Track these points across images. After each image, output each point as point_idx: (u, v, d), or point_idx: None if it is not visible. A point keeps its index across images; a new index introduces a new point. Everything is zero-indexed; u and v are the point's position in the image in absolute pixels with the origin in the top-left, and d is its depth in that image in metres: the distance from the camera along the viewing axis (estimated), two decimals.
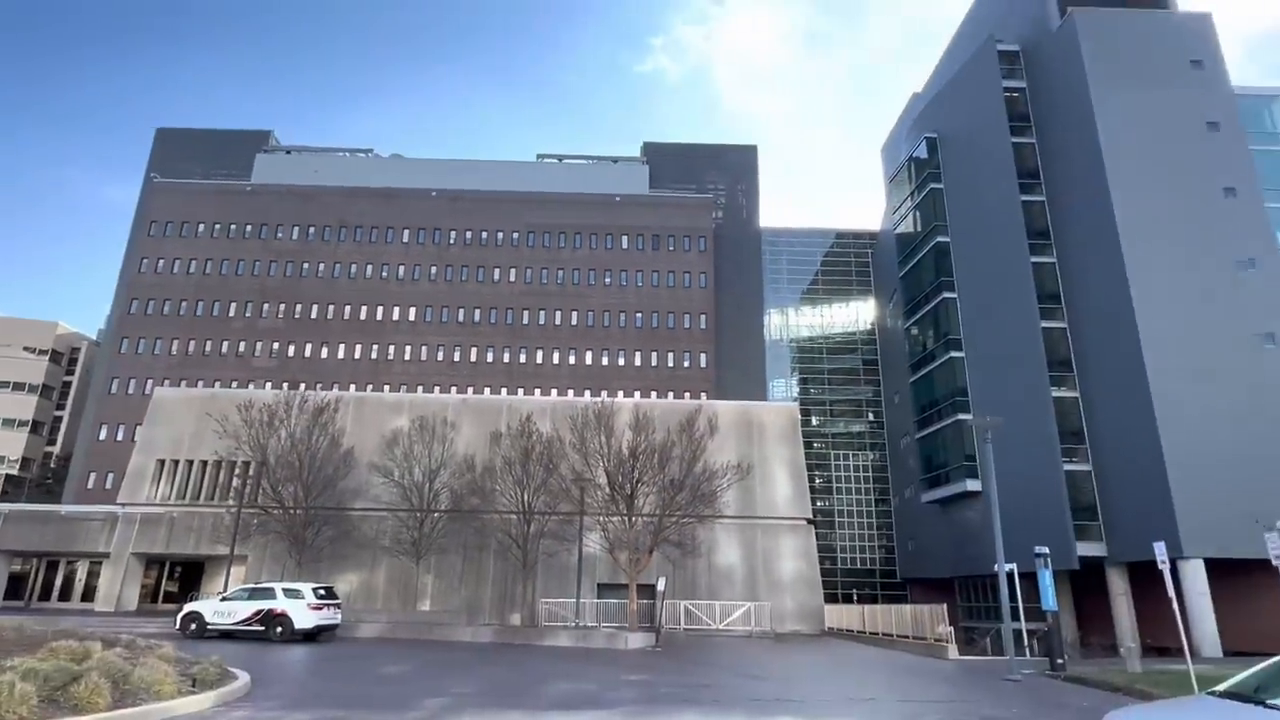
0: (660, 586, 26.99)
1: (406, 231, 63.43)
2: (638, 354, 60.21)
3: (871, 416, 64.45)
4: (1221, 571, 29.88)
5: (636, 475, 28.70)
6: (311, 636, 23.47)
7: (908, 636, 25.23)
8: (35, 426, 70.66)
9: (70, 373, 74.63)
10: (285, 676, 15.39)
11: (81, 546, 36.10)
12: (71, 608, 35.59)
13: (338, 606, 25.11)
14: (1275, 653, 7.05)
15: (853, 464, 63.30)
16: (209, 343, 59.84)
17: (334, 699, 12.53)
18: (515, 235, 63.30)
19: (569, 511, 30.49)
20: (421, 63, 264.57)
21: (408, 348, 60.23)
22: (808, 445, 48.57)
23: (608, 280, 62.14)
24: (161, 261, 61.83)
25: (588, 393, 50.40)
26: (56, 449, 70.87)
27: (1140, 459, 32.47)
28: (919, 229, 51.69)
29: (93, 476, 55.52)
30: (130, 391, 57.67)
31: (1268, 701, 5.87)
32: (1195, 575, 29.72)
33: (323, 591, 24.61)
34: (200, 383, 54.33)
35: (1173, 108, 36.88)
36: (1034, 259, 40.08)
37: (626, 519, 28.72)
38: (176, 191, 64.24)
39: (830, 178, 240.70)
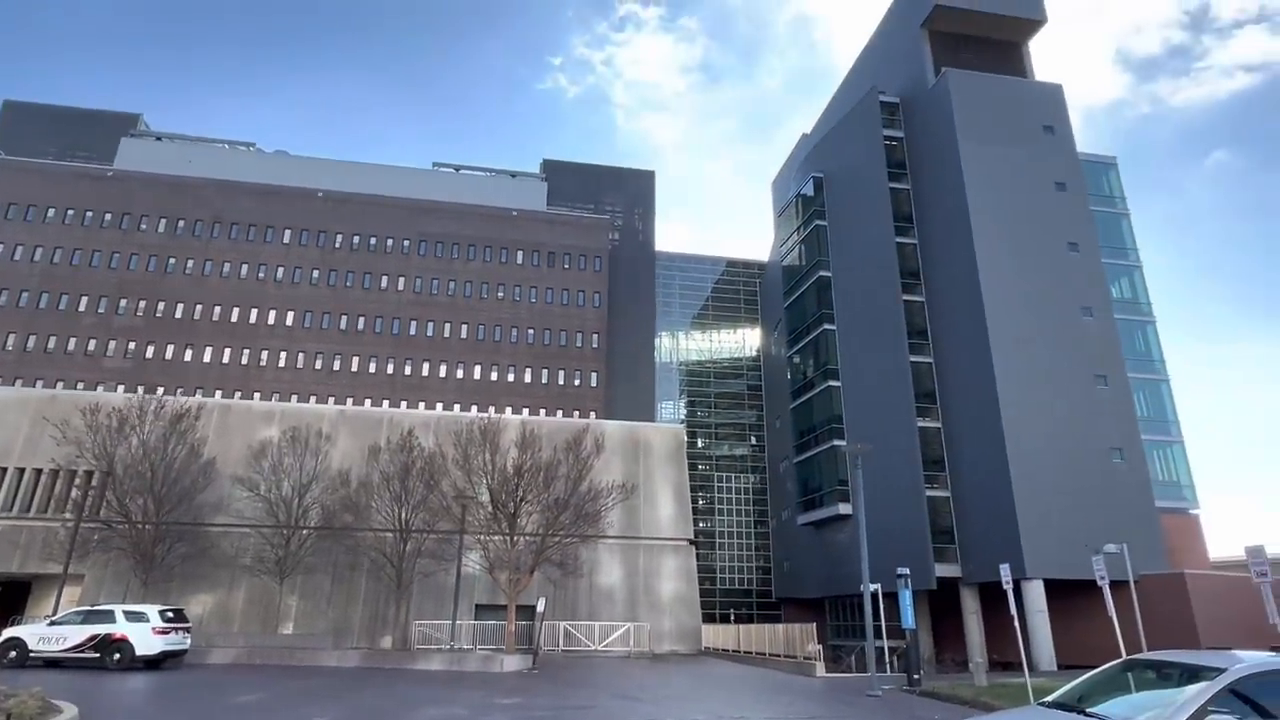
0: (540, 607, 26.66)
1: (288, 232, 60.27)
2: (528, 370, 59.64)
3: (754, 440, 66.56)
4: (1058, 591, 32.72)
5: (521, 493, 28.31)
6: (155, 663, 21.59)
7: (780, 655, 26.07)
8: None
9: None
10: (120, 708, 14.09)
11: None
12: None
13: (188, 630, 23.23)
14: (1101, 665, 7.83)
15: (735, 486, 65.05)
16: (53, 338, 54.36)
17: None
18: (406, 243, 61.45)
19: (449, 530, 29.65)
20: (313, 59, 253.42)
21: (283, 354, 56.99)
22: (692, 467, 49.59)
23: (500, 294, 61.35)
24: (2, 246, 55.80)
25: (474, 408, 49.43)
26: None
27: (992, 487, 35.17)
28: (803, 262, 54.22)
29: None
30: None
31: (1087, 710, 6.49)
32: (1035, 595, 32.38)
33: (171, 614, 22.68)
34: (40, 382, 49.32)
35: (1027, 166, 40.64)
36: (905, 297, 42.88)
37: (509, 538, 28.24)
38: (25, 171, 58.26)
39: (721, 207, 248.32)
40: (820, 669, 23.29)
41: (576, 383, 59.88)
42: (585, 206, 69.32)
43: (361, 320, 58.81)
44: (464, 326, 59.93)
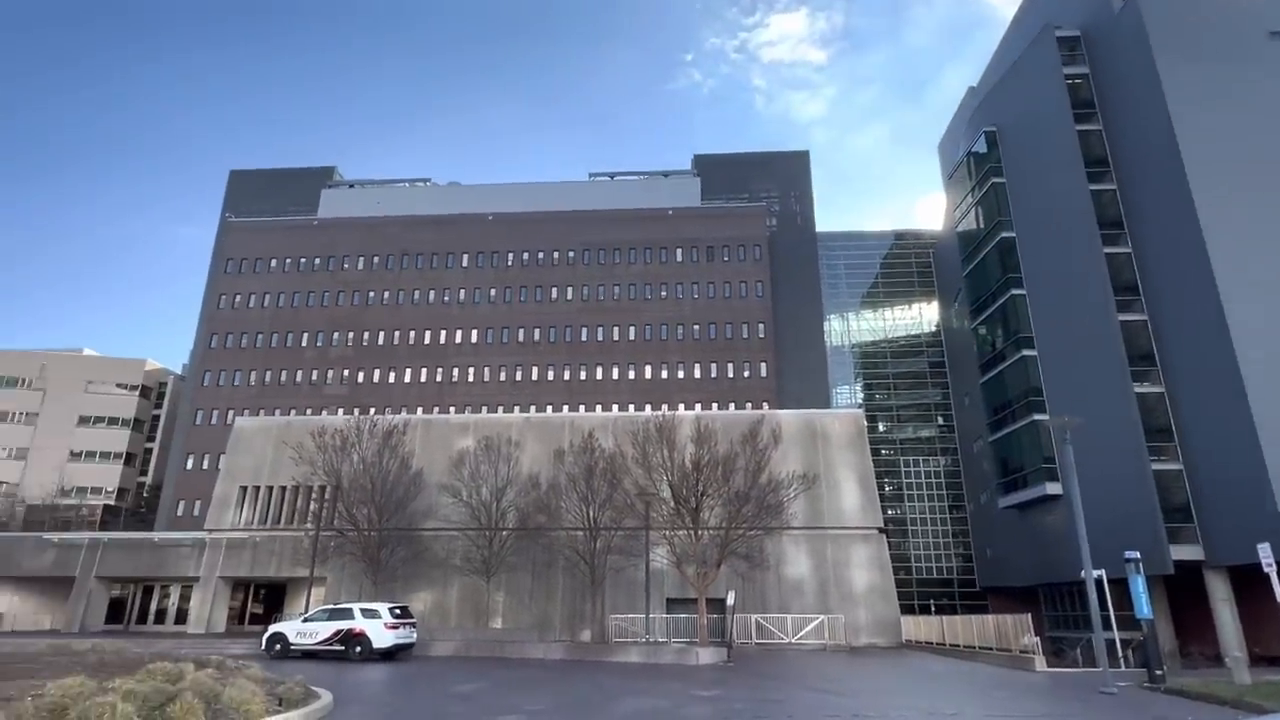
0: (729, 600, 26.67)
1: (465, 256, 64.98)
2: (697, 366, 60.04)
3: (941, 420, 62.61)
4: None
5: (701, 488, 28.52)
6: (389, 655, 24.01)
7: (990, 648, 24.24)
8: (129, 458, 74.66)
9: (159, 406, 78.69)
10: (365, 695, 15.77)
11: (173, 572, 37.89)
12: (166, 630, 37.33)
13: (413, 625, 25.66)
14: None
15: (924, 470, 61.52)
16: (284, 373, 62.38)
17: (414, 716, 12.76)
18: (570, 254, 64.14)
19: (634, 526, 30.48)
20: (468, 95, 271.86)
21: (470, 369, 61.50)
22: (876, 452, 47.47)
23: (663, 294, 62.29)
24: (238, 297, 64.88)
25: (648, 407, 50.48)
26: (148, 479, 74.74)
27: (1237, 456, 30.58)
28: (981, 226, 50.19)
29: (181, 504, 58.30)
30: (213, 422, 60.44)
31: None
32: None
33: (398, 611, 25.18)
34: (277, 411, 56.52)
35: (1249, 83, 34.94)
36: (1107, 250, 38.39)
37: (692, 533, 28.54)
38: (249, 230, 67.42)
39: (879, 179, 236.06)
40: (1040, 663, 21.37)
41: (746, 374, 59.44)
42: (739, 197, 68.64)
43: (536, 331, 62.13)
44: (631, 328, 61.48)
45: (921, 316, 66.53)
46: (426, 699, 15.42)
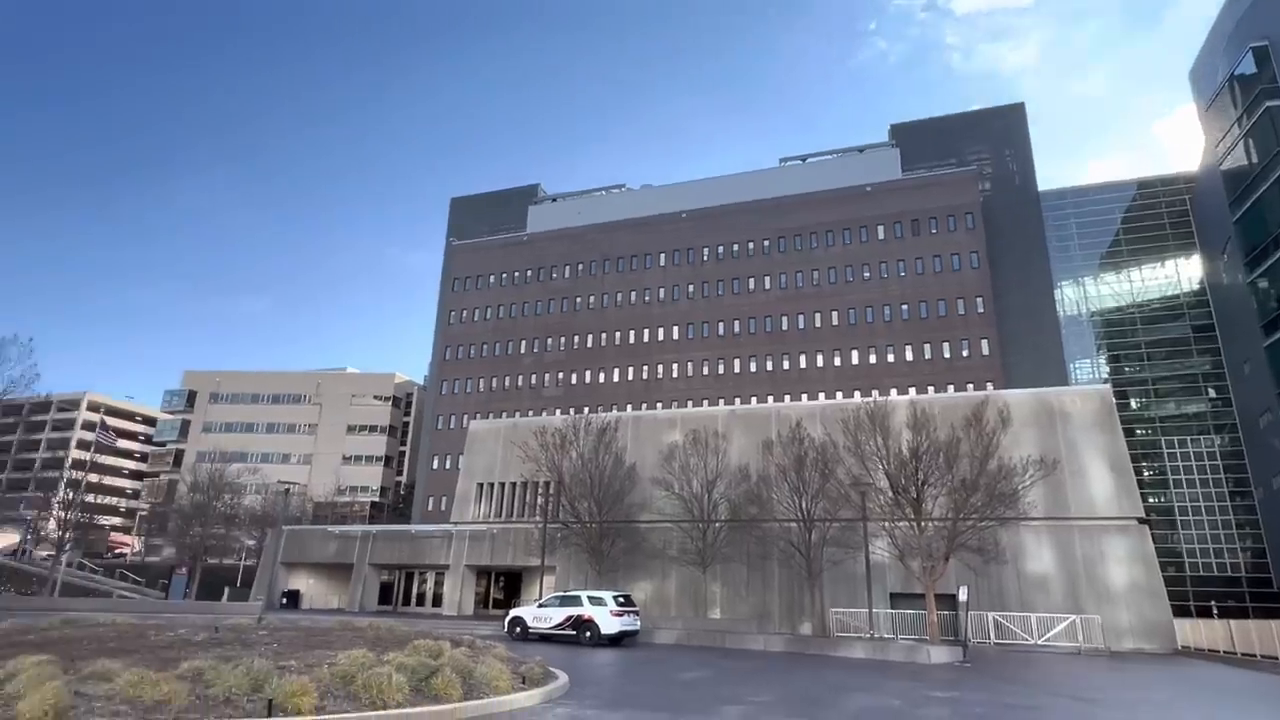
0: (962, 596, 24.78)
1: (662, 255, 66.60)
2: (908, 348, 56.64)
3: (1212, 393, 53.78)
4: None
5: (921, 477, 26.83)
6: (616, 641, 25.15)
7: None
8: (387, 461, 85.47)
9: (407, 414, 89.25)
10: (597, 678, 16.62)
11: (428, 560, 42.63)
12: (425, 612, 42.07)
13: (636, 613, 26.68)
14: None
15: (1192, 451, 53.21)
16: (507, 379, 67.95)
17: (644, 701, 13.22)
18: (766, 243, 63.35)
19: (851, 518, 29.35)
20: (655, 96, 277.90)
21: (674, 365, 62.90)
22: (1129, 433, 41.76)
23: (866, 274, 59.50)
24: (465, 313, 71.71)
25: (857, 393, 48.51)
26: (404, 478, 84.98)
27: None
28: (1255, 160, 42.34)
29: (430, 500, 65.51)
30: (452, 426, 67.25)
31: None
32: None
33: (622, 599, 26.31)
34: (504, 414, 61.63)
35: None
36: None
37: (914, 524, 26.92)
38: (470, 251, 74.22)
39: (1111, 126, 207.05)
40: None
41: (965, 353, 55.06)
42: (945, 163, 63.69)
43: (736, 324, 62.10)
44: (834, 314, 59.41)
45: (1178, 274, 57.61)
46: (654, 685, 15.93)
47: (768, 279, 62.46)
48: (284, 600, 43.53)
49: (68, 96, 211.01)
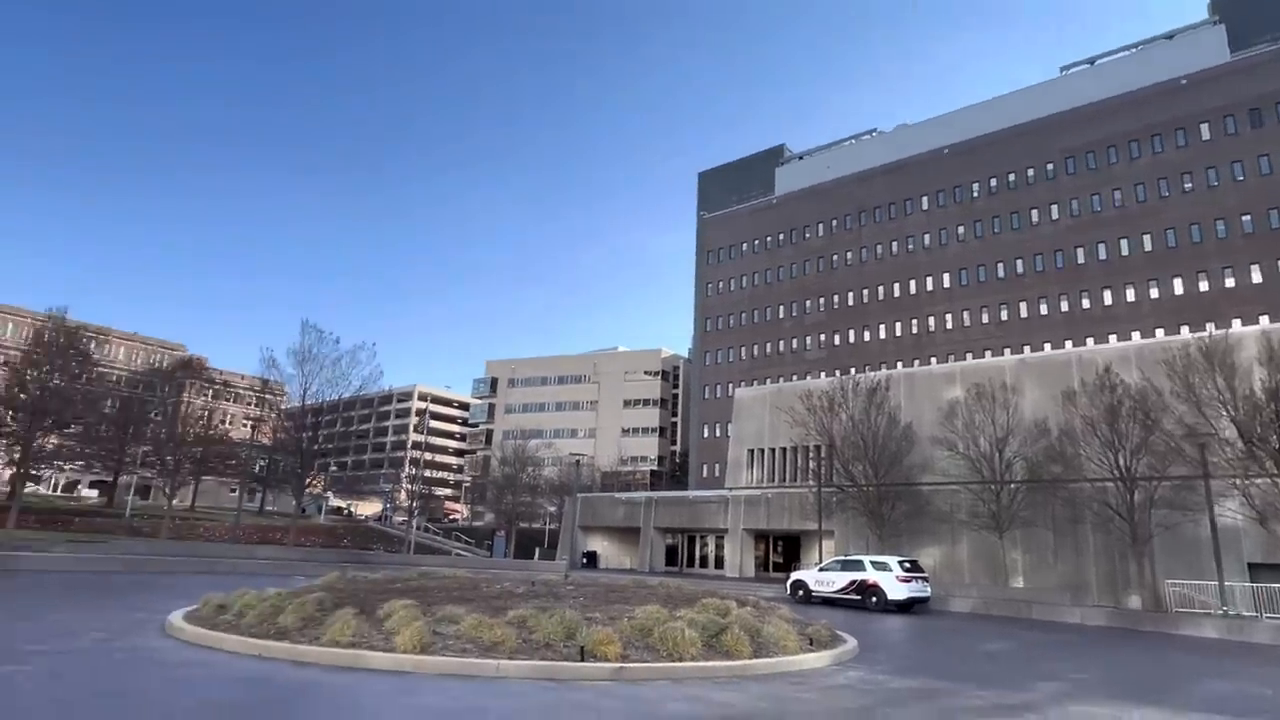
0: None
1: (924, 198, 61.63)
2: (1253, 267, 46.34)
3: None
4: None
5: None
6: (904, 608, 24.12)
7: None
8: (661, 431, 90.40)
9: (675, 387, 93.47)
10: (887, 643, 16.07)
11: (706, 524, 44.42)
12: (708, 574, 43.94)
13: (925, 579, 25.34)
14: None
15: None
16: (768, 344, 67.94)
17: (939, 669, 12.52)
18: (1049, 167, 55.60)
19: (1186, 475, 24.92)
20: (894, 26, 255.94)
21: (947, 316, 58.12)
22: None
23: (1187, 185, 49.62)
24: (721, 283, 72.91)
25: (1184, 328, 40.95)
26: (677, 447, 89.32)
27: None
28: None
29: (704, 468, 68.02)
30: (718, 395, 69.03)
31: None
32: None
33: (908, 565, 25.13)
34: (768, 380, 61.73)
35: None
36: None
37: (1277, 480, 22.09)
38: (721, 222, 75.09)
39: None
40: None
41: None
42: None
43: (1019, 263, 55.58)
44: (1145, 237, 50.52)
45: None
46: (951, 654, 15.00)
47: (1054, 208, 54.81)
48: (584, 560, 48.21)
49: (373, 115, 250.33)
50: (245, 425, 63.98)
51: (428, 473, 62.42)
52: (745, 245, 72.16)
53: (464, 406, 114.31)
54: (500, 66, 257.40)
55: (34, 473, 47.25)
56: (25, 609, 13.30)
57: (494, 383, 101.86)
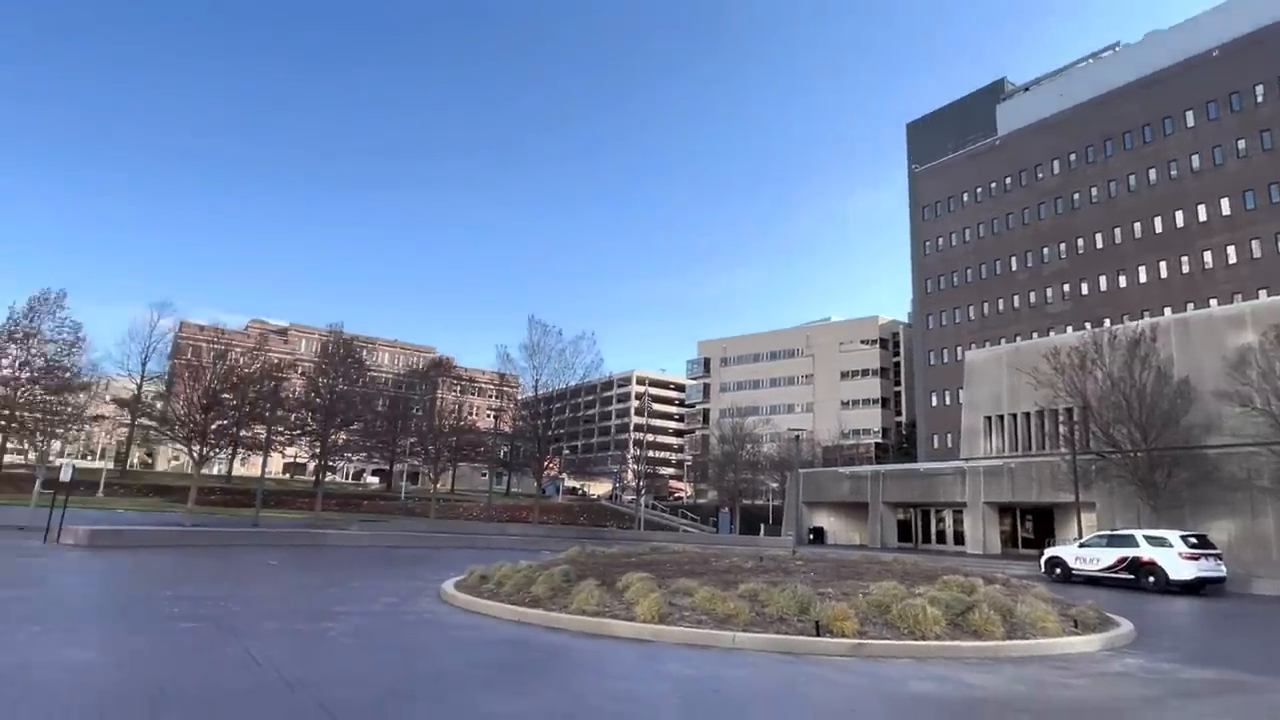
0: None
1: (1190, 113, 52.45)
2: None
3: None
4: None
5: None
6: (1191, 589, 20.95)
7: None
8: (883, 402, 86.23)
9: (896, 354, 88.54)
10: (1171, 628, 14.07)
11: (941, 498, 41.67)
12: (946, 550, 41.27)
13: (1218, 557, 21.80)
14: None
15: None
16: (1000, 300, 61.95)
17: (1242, 660, 10.69)
18: None
19: None
20: None
21: (1228, 248, 49.18)
22: None
23: None
24: (940, 240, 67.62)
25: None
26: (903, 418, 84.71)
27: None
28: None
29: (935, 438, 63.87)
30: (945, 360, 64.36)
31: None
32: None
33: (1194, 540, 21.78)
34: (1002, 340, 56.39)
35: None
36: None
37: None
38: (936, 173, 69.50)
39: None
40: None
41: None
42: None
43: None
44: None
45: None
46: (1256, 643, 12.77)
47: None
48: (810, 536, 47.51)
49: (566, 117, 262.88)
50: (489, 416, 70.86)
51: (650, 453, 65.05)
52: (965, 195, 66.20)
53: (680, 388, 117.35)
54: (687, 46, 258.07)
55: (330, 464, 56.07)
56: (333, 577, 15.82)
57: (706, 363, 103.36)
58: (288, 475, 68.39)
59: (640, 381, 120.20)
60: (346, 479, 79.37)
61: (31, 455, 48.61)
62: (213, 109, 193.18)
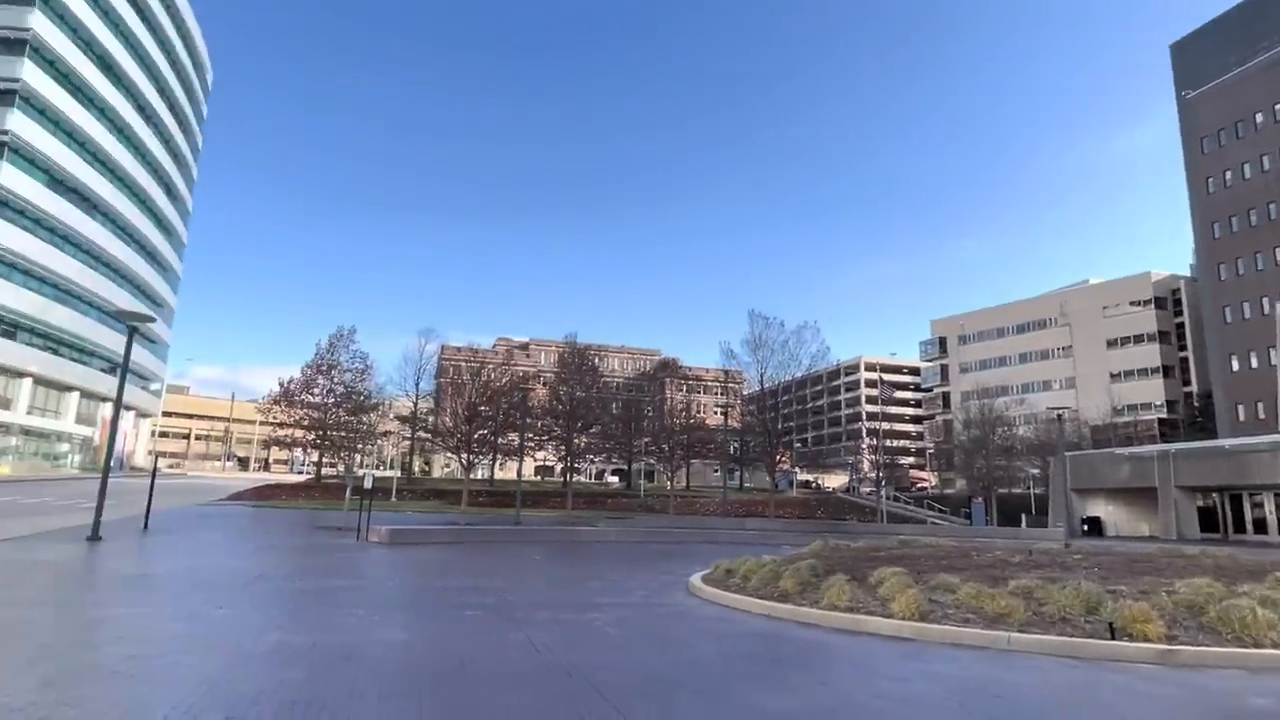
0: None
1: None
2: None
3: None
4: None
5: None
6: None
7: None
8: (1165, 371, 74.22)
9: (1177, 314, 75.82)
10: None
11: (1256, 479, 34.93)
12: (1270, 540, 34.54)
13: None
14: None
15: None
16: None
17: None
18: None
19: None
20: None
21: None
22: None
23: None
24: (1228, 174, 56.93)
25: None
26: (1193, 388, 72.32)
27: None
28: None
29: (1240, 408, 53.86)
30: (1246, 316, 54.09)
31: None
32: None
33: None
34: None
35: None
36: None
37: None
38: (1215, 95, 58.64)
39: None
40: None
41: None
42: None
43: None
44: None
45: None
46: None
47: None
48: (1084, 527, 42.24)
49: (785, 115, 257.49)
50: (716, 413, 71.79)
51: (887, 442, 61.82)
52: (1260, 115, 55.03)
53: (913, 371, 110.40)
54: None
55: (575, 466, 60.20)
56: (590, 570, 16.88)
57: (942, 342, 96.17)
58: (539, 477, 74.55)
59: (870, 368, 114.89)
60: (590, 479, 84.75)
61: (340, 467, 57.83)
62: (453, 153, 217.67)
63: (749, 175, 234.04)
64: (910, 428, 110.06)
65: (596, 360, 67.07)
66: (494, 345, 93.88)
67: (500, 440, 48.05)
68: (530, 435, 51.35)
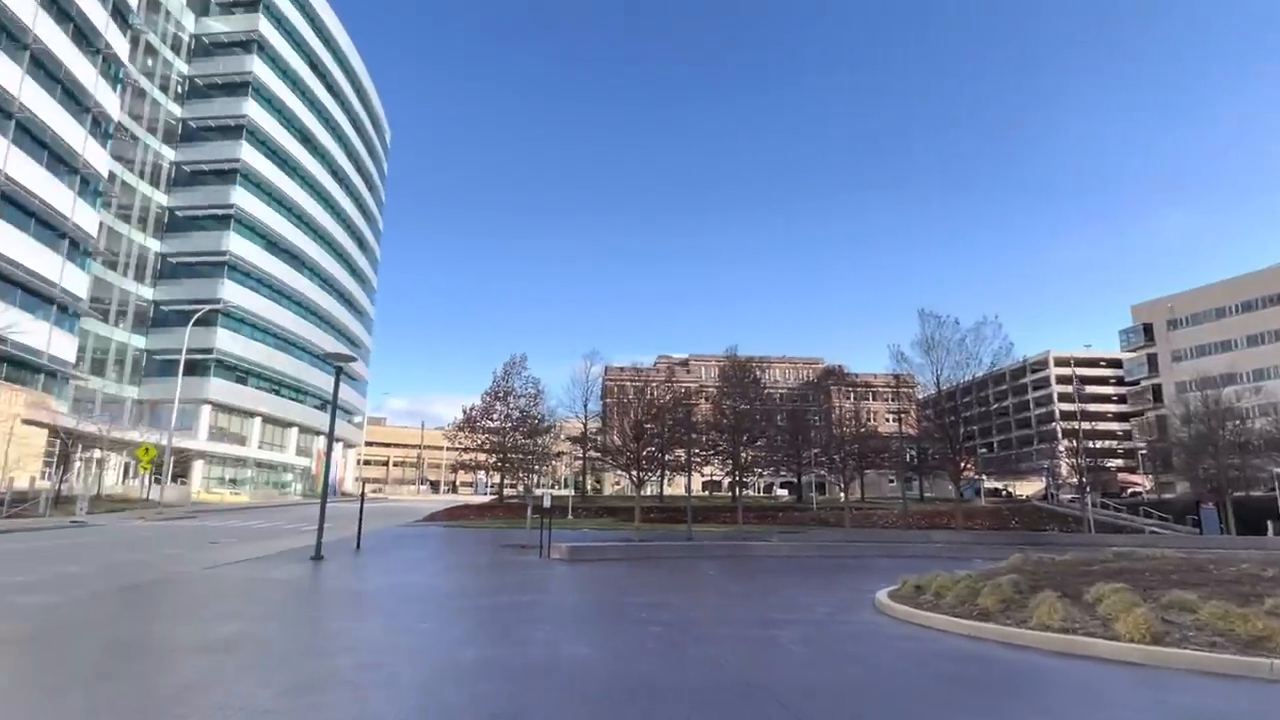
0: None
1: None
2: None
3: None
4: None
5: None
6: None
7: None
8: None
9: None
10: None
11: None
12: None
13: None
14: None
15: None
16: None
17: None
18: None
19: None
20: None
21: None
22: None
23: None
24: None
25: None
26: None
27: None
28: None
29: None
30: None
31: None
32: None
33: None
34: None
35: None
36: None
37: None
38: None
39: None
40: None
41: None
42: None
43: None
44: None
45: None
46: None
47: None
48: None
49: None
50: (889, 419, 68.32)
51: (1088, 443, 55.83)
52: None
53: (1114, 363, 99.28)
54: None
55: (743, 480, 59.56)
56: (767, 586, 16.54)
57: (1147, 329, 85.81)
58: (706, 492, 74.49)
59: (1061, 362, 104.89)
60: (758, 493, 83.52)
61: (520, 488, 61.01)
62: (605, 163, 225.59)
63: (925, 180, 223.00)
64: (1115, 426, 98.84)
65: (758, 372, 66.19)
66: (655, 363, 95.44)
67: (667, 456, 48.56)
68: (697, 451, 51.46)
